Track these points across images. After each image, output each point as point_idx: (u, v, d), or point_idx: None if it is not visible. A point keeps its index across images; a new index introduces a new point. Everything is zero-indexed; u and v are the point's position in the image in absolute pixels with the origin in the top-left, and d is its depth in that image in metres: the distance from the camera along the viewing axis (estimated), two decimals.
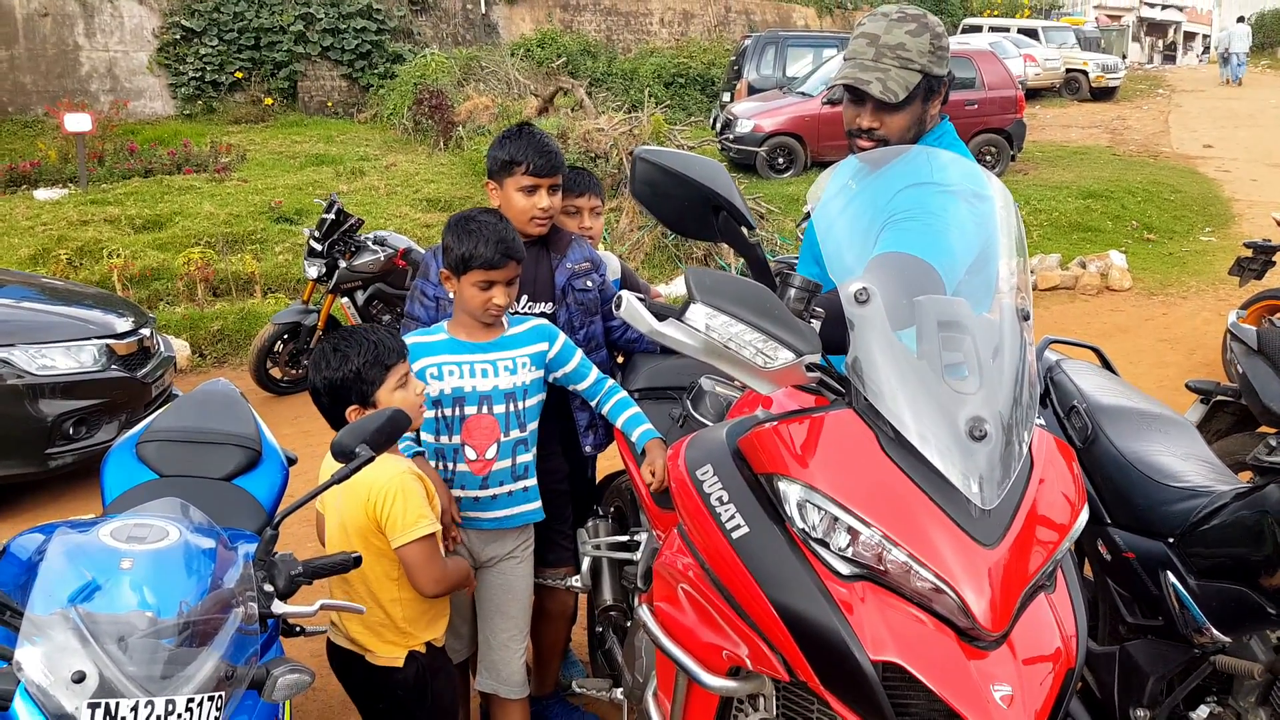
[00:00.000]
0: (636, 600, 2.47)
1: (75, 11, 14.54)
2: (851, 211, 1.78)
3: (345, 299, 6.37)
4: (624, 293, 1.51)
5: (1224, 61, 22.88)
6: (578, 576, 2.77)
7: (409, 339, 2.39)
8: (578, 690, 2.72)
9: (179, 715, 1.29)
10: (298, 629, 2.00)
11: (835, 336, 1.58)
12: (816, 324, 1.60)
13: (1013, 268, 1.69)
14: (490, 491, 2.43)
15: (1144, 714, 2.25)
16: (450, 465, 2.41)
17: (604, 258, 2.93)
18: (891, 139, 2.15)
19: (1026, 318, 1.64)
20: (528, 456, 2.48)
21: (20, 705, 1.27)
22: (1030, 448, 1.56)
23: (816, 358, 1.50)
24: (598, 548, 2.71)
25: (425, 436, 2.43)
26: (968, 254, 1.70)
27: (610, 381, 2.59)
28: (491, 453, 2.40)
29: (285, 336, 6.32)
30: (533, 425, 2.48)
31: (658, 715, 1.90)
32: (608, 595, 2.72)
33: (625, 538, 2.69)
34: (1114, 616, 2.48)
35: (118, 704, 1.26)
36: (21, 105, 14.06)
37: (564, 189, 2.79)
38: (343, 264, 6.23)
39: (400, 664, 2.14)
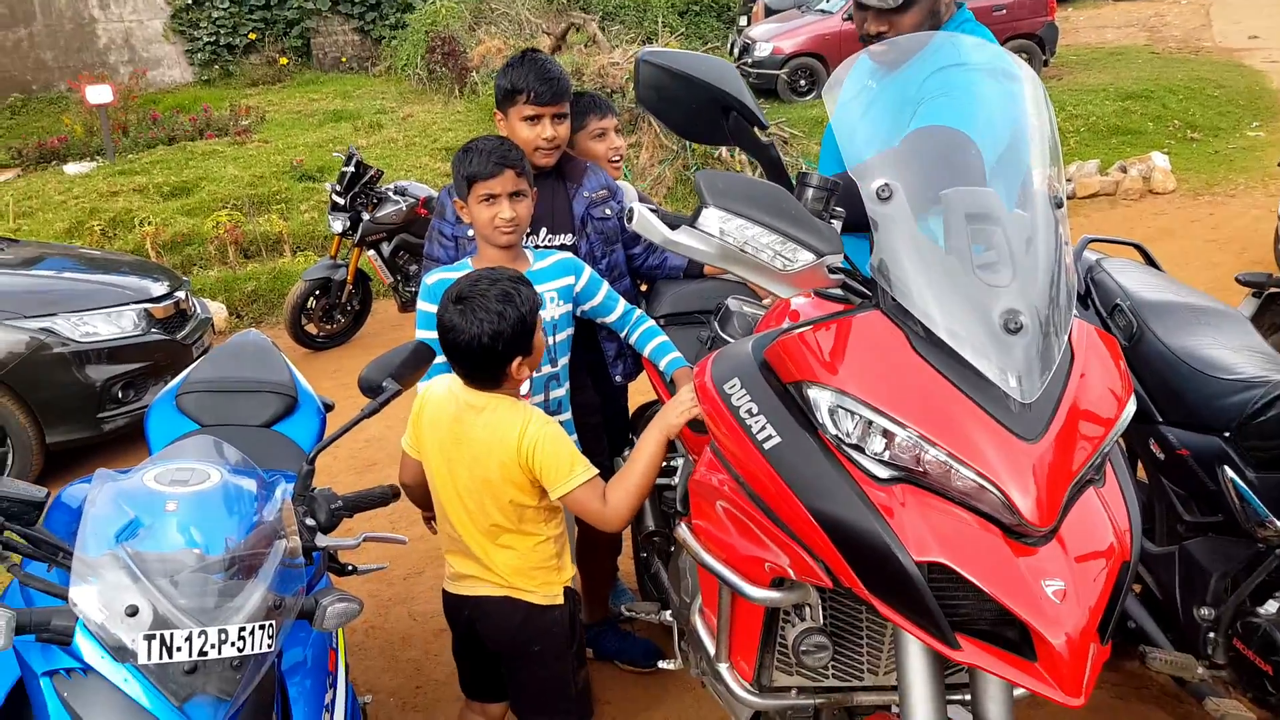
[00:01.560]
0: (677, 524, 2.48)
1: None
2: (876, 109, 1.72)
3: (371, 251, 6.38)
4: (635, 204, 1.47)
5: None
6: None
7: (432, 277, 2.37)
8: (628, 615, 2.74)
9: (232, 644, 1.32)
10: (349, 567, 2.02)
11: (853, 214, 1.54)
12: (838, 224, 1.55)
13: (1044, 152, 1.62)
14: (565, 415, 2.44)
15: (1208, 612, 2.21)
16: (550, 394, 2.42)
17: (621, 186, 2.89)
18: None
19: (1060, 205, 1.58)
20: (560, 391, 2.47)
21: (83, 640, 1.32)
22: (1070, 339, 1.51)
23: (839, 258, 1.46)
24: None
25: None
26: (1003, 133, 1.63)
27: (638, 312, 2.57)
28: (525, 389, 2.39)
29: (317, 292, 6.36)
30: (564, 360, 2.47)
31: (705, 632, 1.91)
32: (650, 522, 2.73)
33: (663, 463, 2.68)
34: (1171, 516, 2.42)
35: (172, 635, 1.29)
36: (45, 82, 14.14)
37: (582, 113, 2.77)
38: (366, 216, 6.23)
39: (561, 600, 2.12)
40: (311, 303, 6.36)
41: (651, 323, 2.56)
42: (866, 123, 1.71)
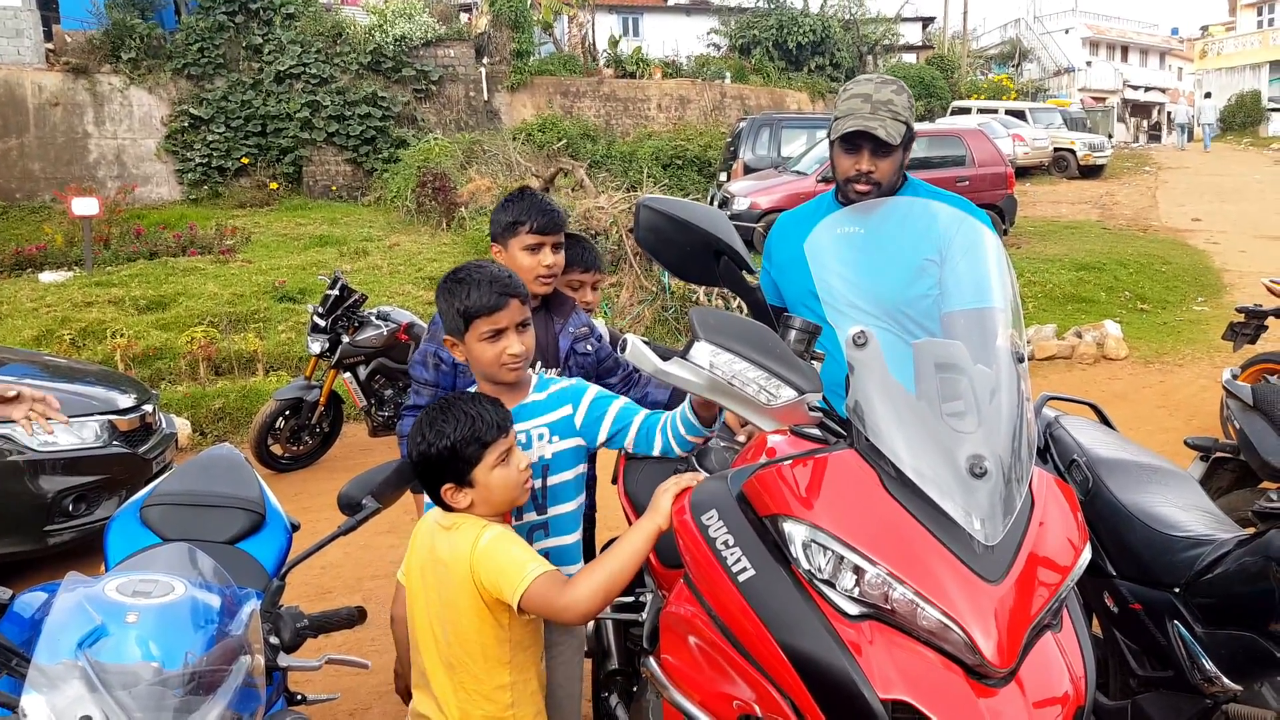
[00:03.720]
0: (644, 659, 2.43)
1: (86, 101, 14.97)
2: (870, 258, 1.85)
3: (348, 374, 6.40)
4: (629, 335, 1.54)
5: (1183, 132, 28.85)
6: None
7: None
8: None
9: None
10: (299, 696, 1.96)
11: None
12: (817, 365, 1.63)
13: (1007, 312, 1.74)
14: (545, 544, 2.22)
15: None
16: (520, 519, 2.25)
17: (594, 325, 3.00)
18: (883, 181, 2.44)
19: (1021, 360, 1.68)
20: (550, 543, 2.22)
21: None
22: (1031, 486, 1.58)
23: (818, 397, 1.53)
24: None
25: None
26: (971, 292, 1.76)
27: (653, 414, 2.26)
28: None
29: (287, 413, 6.33)
30: (559, 509, 2.22)
31: None
32: (614, 660, 2.69)
33: (630, 598, 2.67)
34: (1124, 670, 2.45)
35: None
36: (29, 192, 14.36)
37: (568, 264, 2.83)
38: (346, 339, 6.28)
39: None
40: (280, 423, 6.32)
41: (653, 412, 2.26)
42: (853, 268, 1.83)
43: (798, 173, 13.15)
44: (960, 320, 1.78)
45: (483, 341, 2.06)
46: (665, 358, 1.52)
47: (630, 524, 2.60)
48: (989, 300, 1.77)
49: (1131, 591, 2.34)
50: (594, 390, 2.21)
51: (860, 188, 2.44)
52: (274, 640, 1.61)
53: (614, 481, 2.90)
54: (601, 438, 2.18)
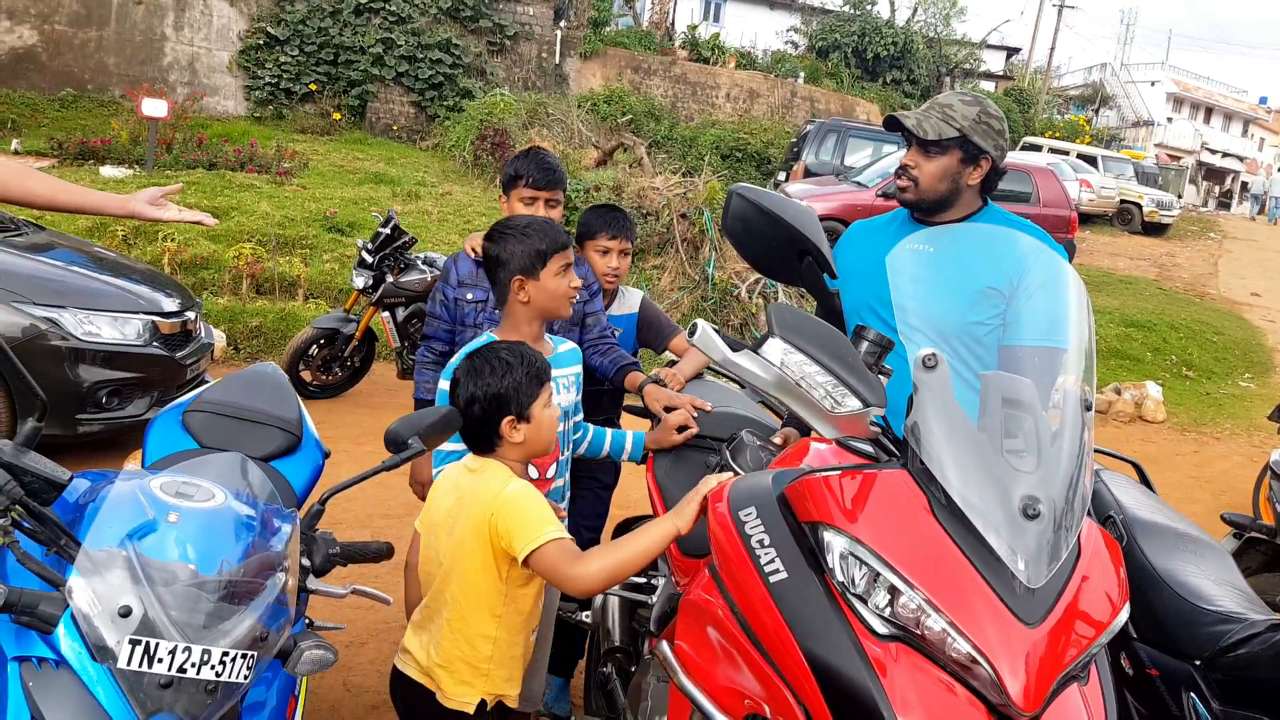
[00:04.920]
0: (646, 644, 2.45)
1: (168, 4, 15.09)
2: (932, 281, 1.82)
3: (386, 313, 6.44)
4: (699, 321, 1.54)
5: (1256, 203, 29.09)
6: (588, 612, 2.74)
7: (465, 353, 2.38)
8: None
9: (212, 667, 1.30)
10: (305, 620, 1.98)
11: None
12: (884, 380, 1.61)
13: (1081, 358, 1.71)
14: None
15: None
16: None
17: (626, 291, 3.17)
18: (922, 181, 2.41)
19: (1089, 408, 1.65)
20: (560, 482, 2.50)
21: (63, 632, 1.29)
22: (1080, 538, 1.56)
23: (882, 411, 1.52)
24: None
25: None
26: (1053, 333, 1.73)
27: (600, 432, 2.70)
28: (551, 472, 2.41)
29: (322, 341, 6.38)
30: (568, 452, 2.52)
31: None
32: (616, 636, 2.70)
33: (642, 579, 2.67)
34: None
35: (157, 644, 1.27)
36: (101, 85, 14.52)
37: (599, 228, 3.01)
38: (390, 279, 6.31)
39: (471, 710, 2.00)
40: (314, 350, 6.38)
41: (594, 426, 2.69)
42: (921, 287, 1.80)
43: (858, 184, 13.04)
44: (1025, 356, 1.75)
45: (558, 276, 2.33)
46: (734, 349, 1.51)
47: (655, 511, 2.62)
48: (1062, 341, 1.74)
49: (1150, 657, 2.31)
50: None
51: (900, 182, 2.44)
52: (305, 562, 1.63)
53: (640, 462, 2.91)
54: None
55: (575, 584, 1.88)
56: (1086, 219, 18.47)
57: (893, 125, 2.46)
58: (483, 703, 2.00)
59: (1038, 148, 21.81)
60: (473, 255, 2.83)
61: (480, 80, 16.79)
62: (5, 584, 1.27)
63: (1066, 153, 21.24)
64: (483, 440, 2.02)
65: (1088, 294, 1.79)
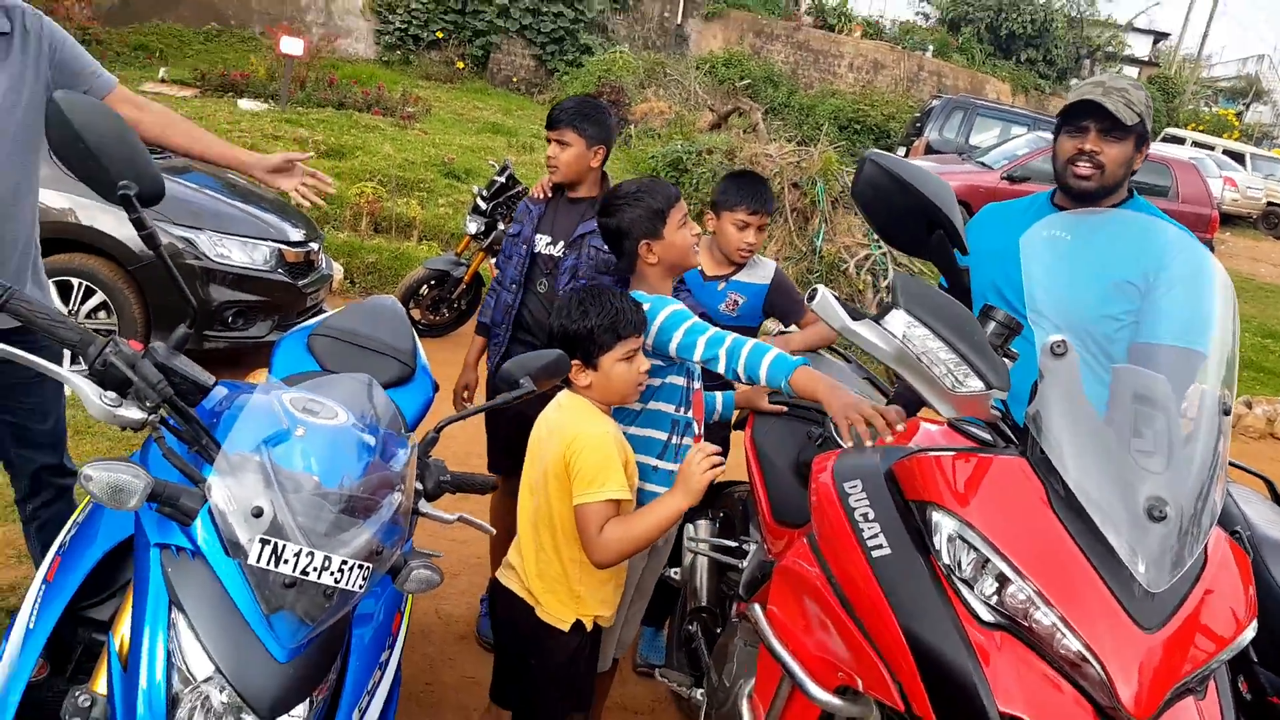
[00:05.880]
0: (734, 607, 2.46)
1: None
2: (1067, 266, 1.75)
3: (494, 260, 6.54)
4: (819, 286, 1.52)
5: None
6: (677, 570, 2.77)
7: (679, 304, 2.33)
8: (659, 677, 2.73)
9: (332, 573, 1.35)
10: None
11: None
12: (1009, 363, 1.57)
13: (1222, 360, 1.63)
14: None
15: None
16: (679, 438, 2.35)
17: (759, 259, 3.11)
18: (1108, 167, 2.32)
19: (1227, 412, 1.57)
20: (686, 440, 2.40)
21: (200, 525, 1.37)
22: (1206, 547, 1.49)
23: (1004, 395, 1.48)
24: (702, 547, 2.72)
25: (665, 407, 2.33)
26: (1195, 334, 1.65)
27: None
28: (699, 429, 2.42)
29: (433, 282, 6.53)
30: (687, 411, 2.43)
31: (750, 718, 1.89)
32: (704, 597, 2.72)
33: (733, 543, 2.68)
34: None
35: (284, 546, 1.33)
36: (243, 21, 15.05)
37: (739, 200, 2.96)
38: (501, 226, 6.40)
39: (565, 628, 2.08)
40: (425, 290, 6.53)
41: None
42: (1053, 275, 1.74)
43: (982, 164, 12.60)
44: (1159, 356, 1.67)
45: (680, 229, 2.33)
46: (855, 318, 1.48)
47: (750, 476, 2.62)
48: (1201, 344, 1.65)
49: (1272, 683, 2.20)
50: (664, 312, 2.24)
51: (1082, 169, 2.32)
52: (418, 486, 1.69)
53: (738, 427, 2.90)
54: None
55: (592, 553, 1.99)
56: (1228, 219, 17.40)
57: (1081, 111, 2.32)
58: (578, 622, 2.09)
59: (1180, 140, 20.61)
60: (540, 195, 3.04)
61: (601, 36, 16.78)
62: (151, 475, 1.35)
63: (1211, 148, 20.01)
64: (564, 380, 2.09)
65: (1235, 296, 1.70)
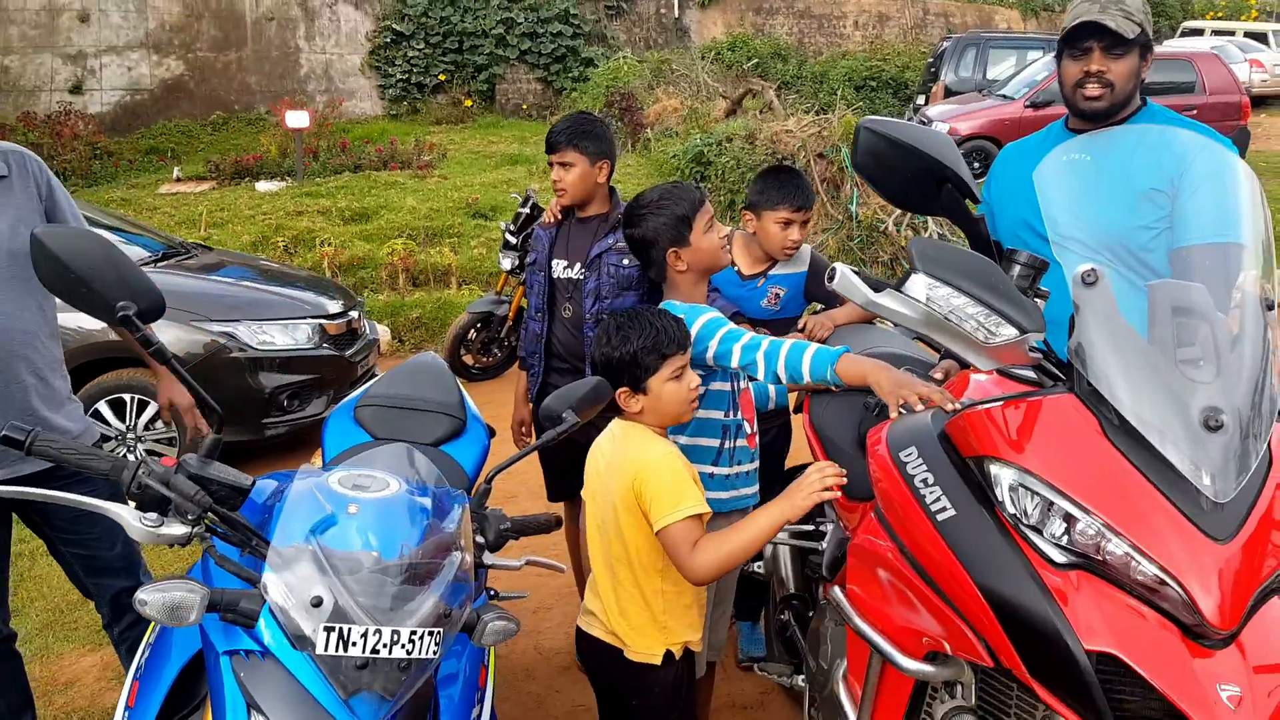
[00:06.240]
0: (821, 589, 2.45)
1: (298, 15, 15.81)
2: (1089, 189, 1.72)
3: None
4: (838, 265, 1.51)
5: None
6: (760, 562, 2.77)
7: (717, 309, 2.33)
8: (758, 672, 2.73)
9: (402, 645, 1.36)
10: (490, 591, 2.05)
11: None
12: (1041, 303, 1.54)
13: (1258, 254, 1.58)
14: (745, 468, 2.40)
15: None
16: (732, 442, 2.35)
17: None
18: (1117, 84, 2.29)
19: (1271, 307, 1.53)
20: (739, 443, 2.41)
21: (265, 625, 1.39)
22: (1270, 445, 1.45)
23: (1040, 337, 1.45)
24: (781, 535, 2.71)
25: (713, 414, 2.32)
26: (1227, 229, 1.61)
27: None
28: (752, 427, 2.41)
29: (478, 325, 6.59)
30: (737, 414, 2.42)
31: (848, 699, 1.88)
32: (790, 584, 2.71)
33: (810, 527, 2.67)
34: None
35: (349, 629, 1.34)
36: (246, 104, 15.40)
37: (780, 199, 2.92)
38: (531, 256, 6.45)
39: (658, 661, 2.03)
40: (472, 334, 6.60)
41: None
42: (1079, 197, 1.71)
43: (1004, 97, 12.35)
44: (1198, 256, 1.63)
45: (706, 233, 2.30)
46: (877, 289, 1.47)
47: (814, 456, 2.60)
48: (1235, 235, 1.61)
49: None
50: (700, 319, 2.23)
51: (1091, 91, 2.28)
52: (479, 539, 1.71)
53: (797, 411, 2.89)
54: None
55: (688, 573, 1.92)
56: (1260, 101, 16.74)
57: (1081, 32, 2.28)
58: (669, 653, 2.05)
59: (1199, 32, 19.94)
60: (551, 220, 3.06)
61: (602, 46, 16.83)
62: (209, 585, 1.38)
63: (1232, 33, 19.31)
64: (611, 404, 2.03)
65: (1260, 184, 1.65)
